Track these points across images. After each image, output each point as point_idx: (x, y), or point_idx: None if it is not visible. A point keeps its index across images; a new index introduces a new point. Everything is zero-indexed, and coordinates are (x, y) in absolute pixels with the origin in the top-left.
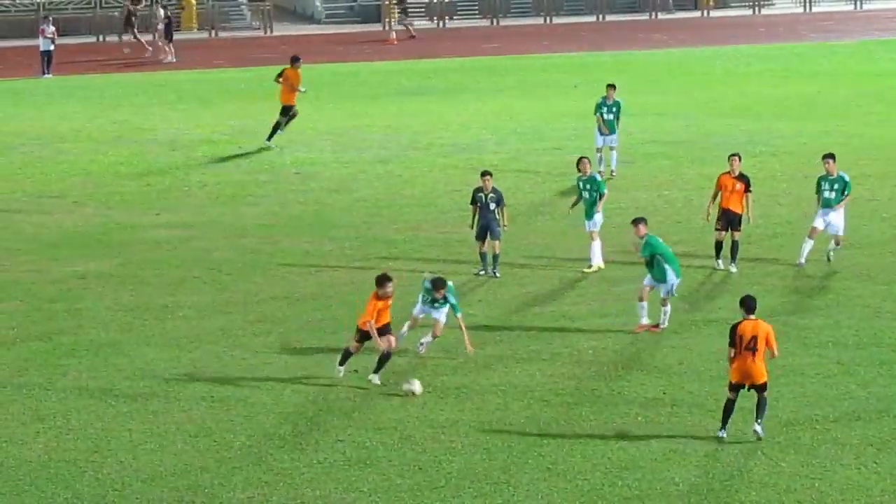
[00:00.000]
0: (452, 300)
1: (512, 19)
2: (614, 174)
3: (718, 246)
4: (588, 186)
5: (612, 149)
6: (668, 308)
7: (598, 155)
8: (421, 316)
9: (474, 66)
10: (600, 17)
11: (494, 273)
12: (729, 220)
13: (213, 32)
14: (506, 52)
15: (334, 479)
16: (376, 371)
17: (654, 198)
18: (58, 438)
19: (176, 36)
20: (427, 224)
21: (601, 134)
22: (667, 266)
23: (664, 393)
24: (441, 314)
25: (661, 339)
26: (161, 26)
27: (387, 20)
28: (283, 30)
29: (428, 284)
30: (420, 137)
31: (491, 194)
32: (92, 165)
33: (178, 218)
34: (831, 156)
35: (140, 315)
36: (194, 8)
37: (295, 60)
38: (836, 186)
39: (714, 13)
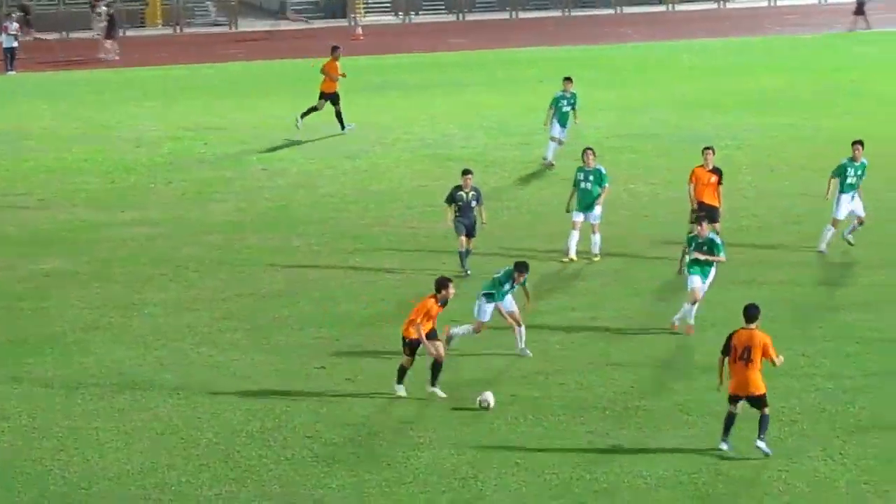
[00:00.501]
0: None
1: (478, 14)
2: (552, 165)
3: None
4: (591, 178)
5: (561, 142)
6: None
7: (554, 144)
8: (487, 319)
9: (441, 61)
10: (566, 11)
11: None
12: (711, 215)
13: (178, 28)
14: (472, 48)
15: (302, 475)
16: (433, 383)
17: (619, 192)
18: (24, 437)
19: (141, 32)
20: (394, 219)
21: (552, 125)
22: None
23: (632, 387)
24: (513, 304)
25: (630, 334)
26: (103, 24)
27: (353, 15)
28: (248, 25)
29: (501, 275)
30: (386, 133)
31: (472, 192)
32: (57, 163)
33: (145, 215)
34: (860, 142)
35: (106, 313)
36: (159, 4)
37: (334, 49)
38: (859, 172)
39: (679, 7)
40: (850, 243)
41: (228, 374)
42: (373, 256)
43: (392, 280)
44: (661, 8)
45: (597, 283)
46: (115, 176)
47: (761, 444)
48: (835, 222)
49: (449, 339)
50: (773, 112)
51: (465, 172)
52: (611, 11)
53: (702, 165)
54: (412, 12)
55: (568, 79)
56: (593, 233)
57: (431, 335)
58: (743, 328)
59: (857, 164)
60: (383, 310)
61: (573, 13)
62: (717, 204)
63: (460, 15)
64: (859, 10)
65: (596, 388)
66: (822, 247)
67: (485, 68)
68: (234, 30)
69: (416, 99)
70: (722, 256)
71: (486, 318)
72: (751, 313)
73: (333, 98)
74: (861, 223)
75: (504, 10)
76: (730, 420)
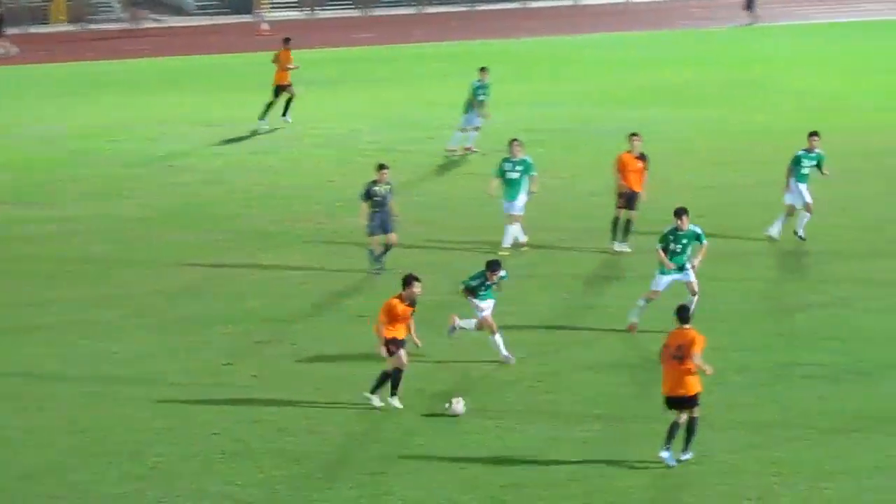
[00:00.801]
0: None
1: (383, 9)
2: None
3: (616, 223)
4: (519, 168)
5: (476, 129)
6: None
7: (465, 133)
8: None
9: (347, 56)
10: (471, 6)
11: (380, 267)
12: (628, 199)
13: (83, 25)
14: (378, 42)
15: (210, 472)
16: (393, 393)
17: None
18: None
19: (44, 29)
20: (302, 215)
21: (474, 114)
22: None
23: (539, 382)
24: (489, 308)
25: (539, 328)
26: None
27: (258, 11)
28: (152, 21)
29: (474, 283)
30: (293, 128)
31: (387, 186)
32: None
33: (52, 213)
34: (816, 133)
35: (14, 310)
36: (63, 0)
37: (286, 41)
38: (814, 163)
39: (586, 1)
40: (801, 238)
41: (136, 372)
42: (281, 253)
43: (300, 276)
44: (568, 2)
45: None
46: (22, 173)
47: (684, 457)
48: (789, 210)
49: (452, 329)
50: (680, 105)
51: (381, 167)
52: (517, 5)
53: (629, 151)
54: (317, 7)
55: (484, 69)
56: (511, 224)
57: (400, 342)
58: (677, 328)
59: (812, 154)
60: (291, 306)
61: (478, 7)
62: (639, 190)
63: (366, 10)
64: (748, 5)
65: (505, 380)
66: (773, 233)
67: (391, 63)
68: (138, 26)
69: (323, 94)
70: (705, 243)
71: (481, 315)
72: (683, 314)
73: (279, 88)
74: (810, 212)
75: (409, 5)
76: (672, 429)
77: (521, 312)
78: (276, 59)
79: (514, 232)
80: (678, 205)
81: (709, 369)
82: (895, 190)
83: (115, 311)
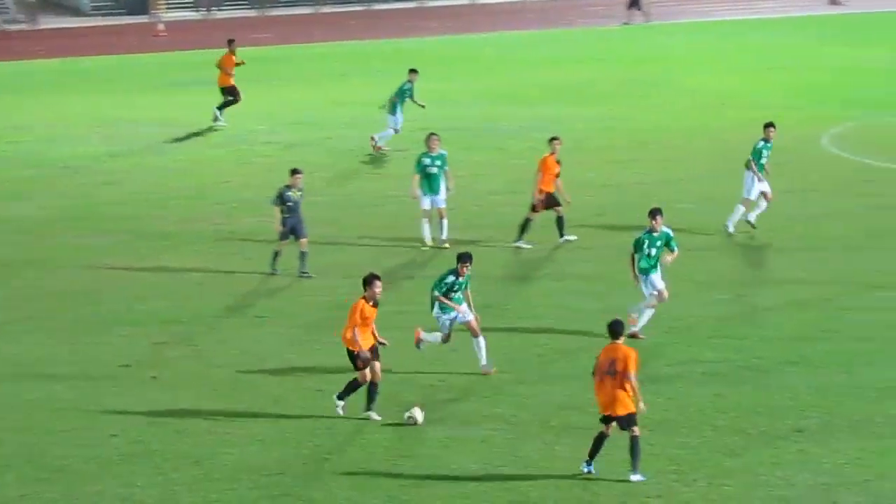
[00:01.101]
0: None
1: (281, 8)
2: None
3: (527, 225)
4: (438, 163)
5: (396, 130)
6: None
7: (394, 133)
8: (447, 331)
9: (245, 56)
10: (369, 5)
11: (305, 272)
12: (551, 201)
13: None
14: (276, 42)
15: (110, 473)
16: (369, 407)
17: None
18: None
19: None
20: (199, 216)
21: (398, 114)
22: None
23: (441, 381)
24: (465, 309)
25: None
26: None
27: (154, 11)
28: (48, 22)
29: (445, 286)
30: (191, 129)
31: (300, 192)
32: None
33: None
34: (772, 124)
35: None
36: None
37: (230, 42)
38: (770, 154)
39: (483, 0)
40: (752, 226)
41: (33, 374)
42: (179, 254)
43: (199, 277)
44: (466, 1)
45: (401, 272)
46: None
47: (635, 477)
48: (745, 202)
49: (418, 343)
50: (578, 104)
51: (295, 172)
52: (415, 5)
53: (552, 154)
54: (214, 7)
55: (413, 70)
56: (442, 217)
57: (373, 354)
58: (610, 344)
59: (769, 144)
60: (190, 307)
61: (376, 7)
62: (553, 190)
63: (263, 10)
64: (633, 4)
65: (403, 381)
66: (752, 219)
67: (289, 63)
68: (34, 27)
69: (221, 95)
70: (676, 251)
71: (447, 329)
72: (615, 328)
73: (224, 90)
74: (768, 200)
75: (307, 5)
76: (597, 441)
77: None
78: (219, 63)
79: (445, 226)
80: (575, 203)
81: (643, 406)
82: (794, 187)
83: (14, 313)
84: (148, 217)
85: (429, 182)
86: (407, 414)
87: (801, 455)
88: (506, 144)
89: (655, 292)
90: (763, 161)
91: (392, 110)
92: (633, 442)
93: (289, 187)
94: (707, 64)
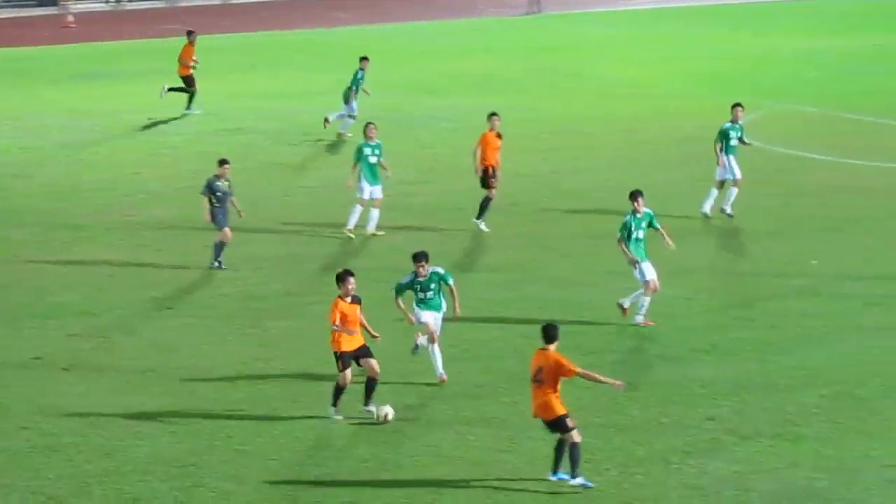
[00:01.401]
0: (440, 270)
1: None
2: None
3: (487, 205)
4: (377, 152)
5: (352, 117)
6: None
7: (352, 121)
8: (433, 325)
9: (154, 48)
10: None
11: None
12: (490, 176)
13: None
14: (184, 34)
15: (20, 466)
16: (366, 403)
17: (336, 176)
18: None
19: None
20: (111, 208)
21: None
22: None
23: (360, 370)
24: (438, 317)
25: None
26: None
27: (63, 3)
28: None
29: (399, 285)
30: (102, 121)
31: (228, 182)
32: None
33: None
34: (740, 104)
35: None
36: None
37: (189, 34)
38: (739, 134)
39: None
40: (730, 216)
41: None
42: (90, 246)
43: (109, 269)
44: None
45: (313, 266)
46: None
47: (575, 481)
48: (719, 185)
49: (415, 348)
50: (487, 93)
51: (223, 162)
52: None
53: (491, 129)
54: None
55: (365, 58)
56: (376, 207)
57: (353, 356)
58: (540, 349)
59: (737, 125)
60: (102, 299)
61: None
62: (496, 164)
63: (172, 1)
64: None
65: (315, 372)
66: (706, 210)
67: (199, 55)
68: None
69: (130, 87)
70: (662, 231)
71: (432, 323)
72: (548, 333)
73: (184, 80)
74: (738, 186)
75: None
76: (558, 449)
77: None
78: (179, 57)
79: (377, 216)
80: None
81: (619, 383)
82: (707, 177)
83: None
84: (59, 209)
85: (370, 171)
86: (380, 412)
87: (713, 443)
88: (415, 134)
89: (645, 282)
90: (732, 143)
91: (346, 99)
92: (572, 447)
93: (217, 177)
94: (617, 53)
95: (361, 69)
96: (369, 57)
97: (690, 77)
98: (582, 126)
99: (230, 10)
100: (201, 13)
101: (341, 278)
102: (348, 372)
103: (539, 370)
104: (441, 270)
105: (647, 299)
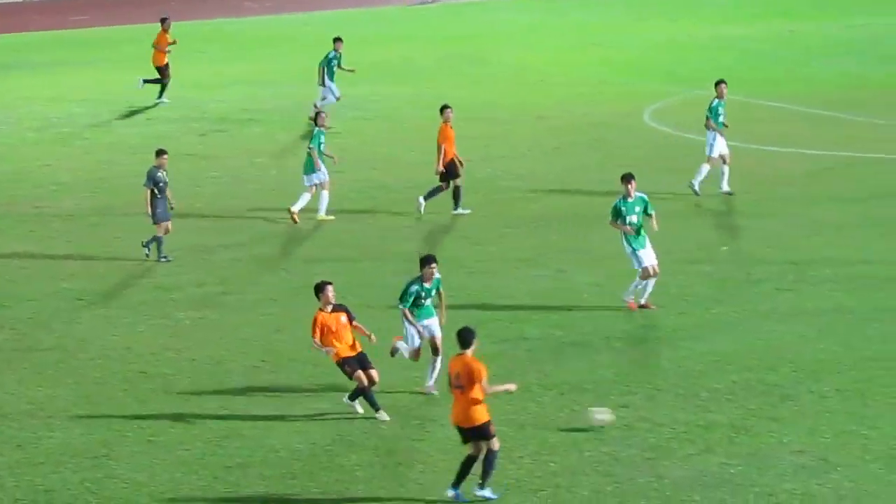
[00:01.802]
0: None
1: None
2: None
3: (458, 192)
4: (322, 139)
5: (337, 98)
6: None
7: (335, 100)
8: (418, 345)
9: (64, 39)
10: None
11: (165, 257)
12: (454, 168)
13: None
14: (95, 24)
15: None
16: (352, 398)
17: (246, 165)
18: None
19: None
20: (22, 200)
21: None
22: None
23: (263, 361)
24: (434, 323)
25: (251, 307)
26: None
27: None
28: None
29: (411, 296)
30: (9, 112)
31: (166, 172)
32: None
33: None
34: (723, 81)
35: None
36: None
37: (163, 21)
38: (725, 111)
39: None
40: (729, 193)
41: None
42: (1, 239)
43: (20, 262)
44: None
45: (226, 256)
46: None
47: (482, 492)
48: (709, 160)
49: (393, 351)
50: (396, 82)
51: (160, 152)
52: None
53: (446, 122)
54: None
55: (338, 39)
56: (324, 189)
57: (357, 360)
58: (457, 354)
59: (723, 101)
60: (12, 291)
61: None
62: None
63: None
64: None
65: (226, 363)
66: (696, 186)
67: (109, 46)
68: None
69: (41, 78)
70: (654, 214)
71: (417, 342)
72: (463, 338)
73: (159, 70)
74: (726, 162)
75: None
76: (465, 465)
77: (221, 293)
78: (154, 44)
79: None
80: (398, 182)
81: (512, 387)
82: (619, 163)
83: None
84: None
85: (322, 159)
86: (596, 417)
87: (626, 430)
88: (439, 111)
89: (641, 269)
90: (721, 119)
91: (322, 81)
92: (490, 456)
93: (157, 168)
94: (526, 41)
95: (335, 50)
96: (342, 38)
97: (601, 63)
98: (492, 113)
99: (140, 1)
100: (109, 5)
101: (319, 289)
102: (360, 372)
103: (457, 376)
104: (439, 275)
105: (647, 283)
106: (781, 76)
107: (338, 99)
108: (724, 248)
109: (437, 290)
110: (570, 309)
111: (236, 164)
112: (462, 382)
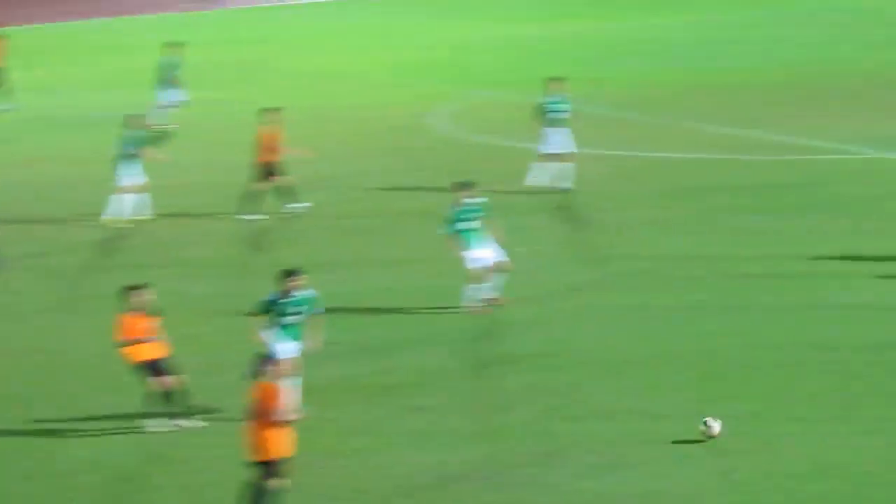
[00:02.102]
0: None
1: None
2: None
3: (256, 197)
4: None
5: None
6: None
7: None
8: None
9: None
10: None
11: None
12: (272, 170)
13: None
14: None
15: None
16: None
17: (30, 175)
18: None
19: None
20: None
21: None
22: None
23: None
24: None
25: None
26: None
27: None
28: None
29: (261, 305)
30: None
31: None
32: None
33: None
34: (558, 77)
35: None
36: None
37: None
38: (563, 107)
39: None
40: (567, 189)
41: None
42: None
43: None
44: None
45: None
46: None
47: None
48: (541, 157)
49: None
50: (189, 87)
51: None
52: None
53: (267, 126)
54: None
55: (169, 45)
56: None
57: (157, 367)
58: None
59: (556, 98)
60: None
61: None
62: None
63: None
64: None
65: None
66: (535, 182)
67: None
68: None
69: None
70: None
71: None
72: (256, 367)
73: None
74: (572, 160)
75: None
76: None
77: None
78: None
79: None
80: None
81: (295, 415)
82: (408, 167)
83: None
84: None
85: (127, 161)
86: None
87: (416, 436)
88: (113, 132)
89: (480, 267)
90: (555, 116)
91: (163, 87)
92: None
93: None
94: (314, 45)
95: (173, 56)
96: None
97: (392, 66)
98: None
99: None
100: None
101: (127, 293)
102: (155, 379)
103: (252, 402)
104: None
105: (498, 278)
106: (572, 76)
107: (184, 102)
108: (522, 249)
109: (310, 308)
110: (363, 313)
111: (18, 173)
112: (256, 412)
